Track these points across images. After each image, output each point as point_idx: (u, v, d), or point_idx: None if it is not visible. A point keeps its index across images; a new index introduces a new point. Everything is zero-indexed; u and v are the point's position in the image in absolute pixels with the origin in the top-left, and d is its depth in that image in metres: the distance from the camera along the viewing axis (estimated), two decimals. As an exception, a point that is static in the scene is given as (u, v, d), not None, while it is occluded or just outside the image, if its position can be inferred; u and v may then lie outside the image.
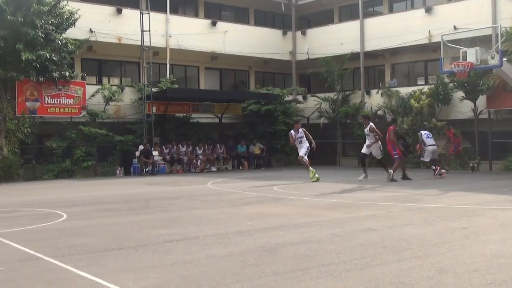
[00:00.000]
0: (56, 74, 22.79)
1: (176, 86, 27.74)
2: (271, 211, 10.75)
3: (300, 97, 31.72)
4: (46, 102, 23.15)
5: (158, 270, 5.90)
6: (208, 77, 31.61)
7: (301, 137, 18.42)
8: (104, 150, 24.46)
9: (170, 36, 27.71)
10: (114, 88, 25.56)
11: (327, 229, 8.47)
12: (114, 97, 25.04)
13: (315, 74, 30.60)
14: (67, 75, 23.31)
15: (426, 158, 19.68)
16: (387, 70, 30.22)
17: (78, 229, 8.89)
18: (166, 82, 27.20)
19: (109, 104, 25.13)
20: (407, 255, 6.53)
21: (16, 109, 22.31)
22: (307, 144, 18.38)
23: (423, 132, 19.86)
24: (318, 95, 29.97)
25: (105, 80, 28.03)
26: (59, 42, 22.64)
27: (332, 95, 29.37)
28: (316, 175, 18.03)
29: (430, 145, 19.57)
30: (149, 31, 25.05)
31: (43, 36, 21.81)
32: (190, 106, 27.68)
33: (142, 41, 25.33)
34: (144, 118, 25.25)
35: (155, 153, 24.66)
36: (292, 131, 18.71)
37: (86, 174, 23.44)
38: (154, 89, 25.81)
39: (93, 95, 24.61)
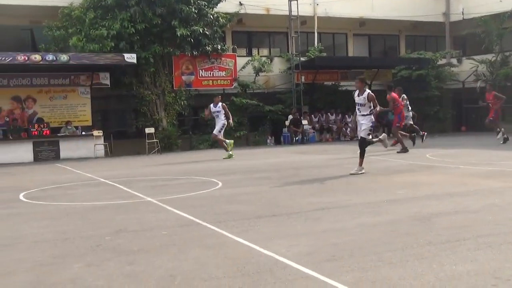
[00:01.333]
0: (209, 48, 23.72)
1: (324, 54, 27.65)
2: (423, 180, 10.44)
3: (454, 61, 30.19)
4: (200, 75, 24.24)
5: (309, 238, 5.99)
6: (357, 43, 31.10)
7: (219, 112, 17.63)
8: (255, 120, 25.16)
9: (317, 4, 27.59)
10: (263, 59, 26.09)
11: (484, 199, 8.06)
12: (263, 68, 25.59)
13: (471, 35, 28.92)
14: (219, 48, 24.18)
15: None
16: (555, 27, 27.70)
17: (232, 197, 9.26)
18: (314, 50, 27.21)
19: (259, 75, 25.72)
20: None
21: (174, 82, 23.61)
22: (224, 121, 17.61)
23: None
24: (474, 57, 28.34)
25: (254, 51, 28.65)
26: (211, 16, 23.48)
27: (490, 56, 27.65)
28: (231, 153, 17.63)
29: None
30: (297, 0, 25.09)
31: (196, 11, 22.74)
32: (338, 74, 27.50)
33: (290, 10, 25.47)
34: (293, 87, 25.54)
35: (304, 122, 24.91)
36: (211, 105, 18.02)
37: (238, 143, 24.24)
38: (302, 59, 25.96)
39: (243, 67, 25.34)
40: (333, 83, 27.99)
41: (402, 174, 11.61)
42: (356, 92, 12.31)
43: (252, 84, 25.35)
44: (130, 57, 20.77)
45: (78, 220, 7.66)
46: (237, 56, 25.71)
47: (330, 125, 26.27)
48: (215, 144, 23.86)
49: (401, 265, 4.79)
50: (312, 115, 26.00)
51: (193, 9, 22.58)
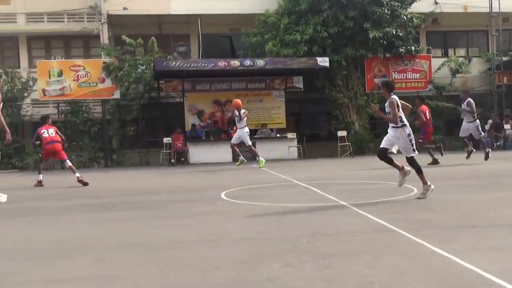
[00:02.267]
0: (402, 49, 23.29)
1: (530, 53, 25.67)
2: None
3: None
4: (393, 77, 23.83)
5: (516, 253, 5.58)
6: None
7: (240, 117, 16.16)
8: (451, 124, 24.07)
9: (522, -1, 25.66)
10: (460, 59, 25.04)
11: None
12: (461, 69, 24.54)
13: None
14: (412, 50, 23.63)
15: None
16: None
17: (428, 204, 8.95)
18: (518, 49, 25.40)
19: (455, 77, 24.67)
20: None
21: (366, 85, 23.51)
22: (246, 129, 16.28)
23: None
24: None
25: (450, 51, 27.52)
26: (404, 17, 23.04)
27: None
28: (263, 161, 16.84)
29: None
30: (498, -5, 23.66)
31: (389, 13, 22.46)
32: (546, 75, 25.36)
33: (491, 7, 24.06)
34: (493, 89, 24.10)
35: (507, 126, 23.40)
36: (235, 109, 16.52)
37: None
38: (504, 58, 24.42)
39: (438, 68, 24.53)
40: (540, 84, 25.84)
41: None
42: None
43: (448, 86, 24.35)
44: (323, 61, 21.10)
45: (275, 220, 7.94)
46: (432, 57, 24.86)
47: (539, 130, 24.32)
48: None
49: None
50: (515, 119, 24.25)
51: (385, 11, 22.33)
